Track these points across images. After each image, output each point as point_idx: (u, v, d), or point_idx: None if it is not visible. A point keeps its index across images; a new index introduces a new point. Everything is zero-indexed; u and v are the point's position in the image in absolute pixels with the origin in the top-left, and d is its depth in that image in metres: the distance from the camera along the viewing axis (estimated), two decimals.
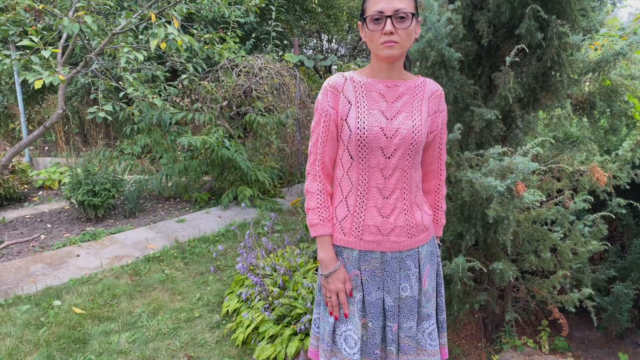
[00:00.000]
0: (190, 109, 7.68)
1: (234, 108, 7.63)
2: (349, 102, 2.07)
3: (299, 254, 4.61)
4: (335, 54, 14.64)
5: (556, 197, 3.24)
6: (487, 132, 3.07)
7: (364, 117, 2.03)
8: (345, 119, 2.07)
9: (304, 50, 14.85)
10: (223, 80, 7.48)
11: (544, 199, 2.81)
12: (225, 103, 7.39)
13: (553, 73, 3.01)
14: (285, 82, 7.52)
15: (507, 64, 2.73)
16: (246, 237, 4.81)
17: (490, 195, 2.71)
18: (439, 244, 2.40)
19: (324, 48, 15.59)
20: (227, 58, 7.17)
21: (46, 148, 11.43)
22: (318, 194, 2.16)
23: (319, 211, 2.16)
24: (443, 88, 2.79)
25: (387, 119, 2.04)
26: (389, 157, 2.05)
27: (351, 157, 2.11)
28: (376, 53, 2.02)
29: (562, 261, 3.19)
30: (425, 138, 2.09)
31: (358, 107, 2.05)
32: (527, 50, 2.73)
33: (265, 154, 8.80)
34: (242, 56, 7.53)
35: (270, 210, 7.48)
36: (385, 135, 2.03)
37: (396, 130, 2.03)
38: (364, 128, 2.02)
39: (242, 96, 7.50)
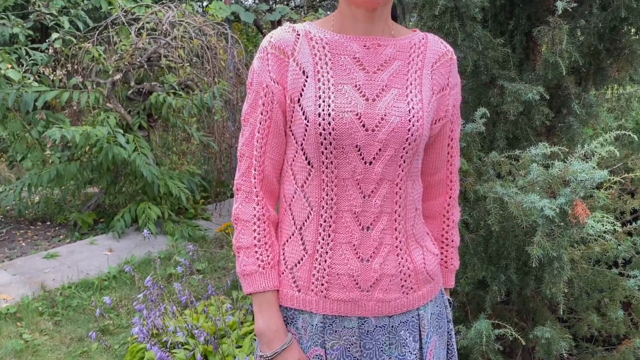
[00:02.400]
0: (66, 86, 7.44)
1: (133, 84, 7.57)
2: (303, 72, 1.95)
3: (230, 309, 4.45)
4: (287, 4, 14.50)
5: (630, 223, 3.10)
6: (525, 120, 2.96)
7: (329, 98, 1.90)
8: (298, 101, 1.94)
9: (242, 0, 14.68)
10: (116, 43, 7.33)
11: (618, 227, 2.62)
12: (119, 76, 7.31)
13: (627, 28, 2.89)
14: (210, 45, 7.45)
15: (559, 11, 2.52)
16: (148, 284, 4.55)
17: (532, 223, 2.59)
18: (449, 301, 2.29)
19: None
20: (122, 8, 6.95)
21: None
22: (254, 224, 2.03)
23: (256, 252, 2.02)
24: (456, 50, 2.66)
25: (367, 99, 1.92)
26: (371, 162, 1.93)
27: (309, 163, 1.97)
28: None
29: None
30: (428, 130, 1.98)
31: (319, 80, 1.93)
32: None
33: (182, 153, 8.78)
34: (146, 6, 7.33)
35: (189, 239, 7.47)
36: (364, 126, 1.90)
37: (382, 119, 1.90)
38: (329, 115, 1.88)
39: (146, 66, 7.46)
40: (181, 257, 6.22)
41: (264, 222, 2.01)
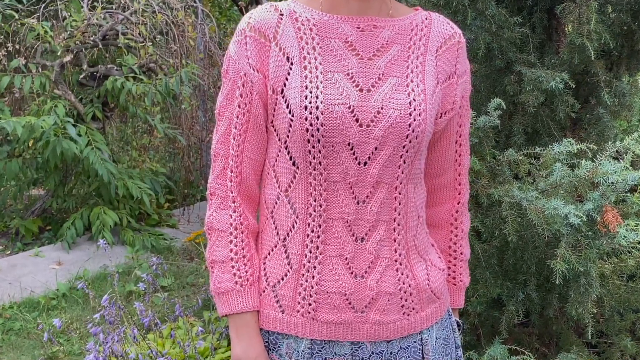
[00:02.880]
0: (6, 69, 7.43)
1: (86, 67, 7.54)
2: (287, 58, 1.96)
3: (202, 333, 4.51)
4: None
5: None
6: (546, 112, 2.94)
7: (317, 88, 1.91)
8: (281, 91, 1.95)
9: None
10: (66, 18, 7.32)
11: None
12: (69, 58, 7.28)
13: None
14: (177, 21, 7.42)
15: None
16: (105, 303, 4.56)
17: (555, 232, 2.60)
18: (458, 323, 2.29)
19: None
20: None
21: None
22: (231, 234, 2.04)
23: (233, 266, 2.02)
24: (466, 31, 2.68)
25: (361, 90, 1.94)
26: (365, 163, 1.94)
27: (294, 164, 1.99)
28: None
29: None
30: (432, 125, 2.00)
31: (305, 68, 1.94)
32: None
33: (143, 148, 8.68)
34: None
35: (152, 249, 7.48)
36: (357, 121, 1.91)
37: (378, 112, 1.92)
38: (317, 108, 1.89)
39: (100, 45, 7.46)
40: (143, 272, 6.21)
41: (242, 232, 2.02)
